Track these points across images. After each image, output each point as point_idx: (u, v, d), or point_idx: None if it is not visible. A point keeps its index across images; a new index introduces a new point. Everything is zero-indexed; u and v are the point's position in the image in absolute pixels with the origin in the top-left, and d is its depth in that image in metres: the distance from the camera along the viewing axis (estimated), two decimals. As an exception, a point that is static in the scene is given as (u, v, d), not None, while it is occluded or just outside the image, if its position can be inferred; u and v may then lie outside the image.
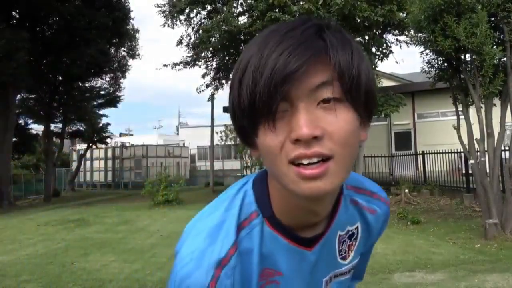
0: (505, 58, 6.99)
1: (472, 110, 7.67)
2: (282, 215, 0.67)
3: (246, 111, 0.58)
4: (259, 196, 0.69)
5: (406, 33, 12.33)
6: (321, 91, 0.56)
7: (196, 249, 0.66)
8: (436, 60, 7.94)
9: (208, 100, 20.41)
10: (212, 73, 18.41)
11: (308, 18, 0.61)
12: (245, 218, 0.68)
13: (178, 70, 17.78)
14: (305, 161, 0.56)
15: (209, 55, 17.26)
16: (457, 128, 7.69)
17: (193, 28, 17.29)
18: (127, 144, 31.60)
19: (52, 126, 23.55)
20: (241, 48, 15.51)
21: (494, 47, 6.71)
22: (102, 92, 24.94)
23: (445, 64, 7.78)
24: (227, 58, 17.38)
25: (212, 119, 21.80)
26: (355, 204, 0.77)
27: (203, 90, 18.90)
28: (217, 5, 15.96)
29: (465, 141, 7.62)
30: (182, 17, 16.81)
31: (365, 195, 0.80)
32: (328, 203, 0.67)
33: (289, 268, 0.69)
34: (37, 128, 25.49)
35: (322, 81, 0.56)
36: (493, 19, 6.94)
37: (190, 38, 17.36)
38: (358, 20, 12.19)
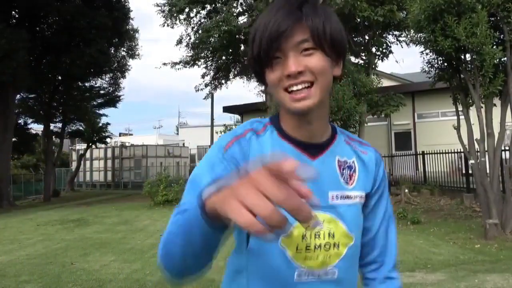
0: (505, 58, 6.98)
1: (472, 110, 7.66)
2: (289, 129, 0.94)
3: (257, 58, 0.88)
4: (272, 118, 0.98)
5: (406, 33, 12.33)
6: (302, 44, 0.84)
7: (228, 132, 0.95)
8: (436, 60, 7.93)
9: (205, 99, 20.40)
10: (211, 73, 18.41)
11: None
12: (258, 127, 0.96)
13: (178, 69, 17.80)
14: (294, 88, 0.85)
15: (209, 55, 17.26)
16: (457, 128, 7.69)
17: (193, 27, 17.29)
18: (127, 144, 31.59)
19: (52, 126, 23.54)
20: (241, 48, 15.52)
21: (494, 47, 6.71)
22: (101, 92, 24.94)
23: (445, 64, 7.78)
24: (227, 58, 17.39)
25: (212, 119, 21.82)
26: (349, 144, 1.02)
27: (201, 89, 18.92)
28: (217, 5, 15.96)
29: (465, 141, 7.62)
30: (181, 17, 16.82)
31: (357, 141, 1.04)
32: (316, 117, 0.92)
33: None
34: (36, 128, 25.50)
35: (302, 38, 0.84)
36: (493, 19, 6.94)
37: (190, 38, 17.38)
38: (358, 20, 12.19)
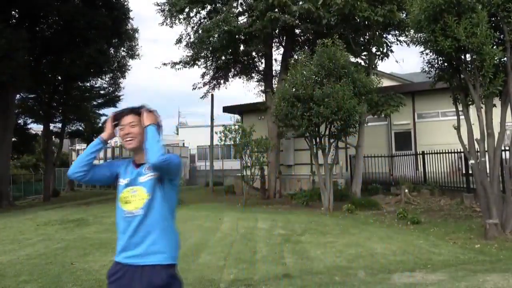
0: (505, 58, 6.98)
1: (472, 110, 7.66)
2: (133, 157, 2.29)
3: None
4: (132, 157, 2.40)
5: (406, 33, 12.32)
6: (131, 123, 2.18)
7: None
8: (436, 60, 7.94)
9: (202, 98, 20.35)
10: (211, 73, 18.40)
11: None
12: (126, 160, 2.38)
13: (178, 69, 17.77)
14: (128, 139, 2.19)
15: (209, 55, 17.25)
16: (457, 128, 7.69)
17: (192, 27, 17.28)
18: (127, 144, 31.54)
19: (52, 126, 23.54)
20: (241, 48, 15.51)
21: (495, 47, 6.70)
22: (101, 92, 24.93)
23: (445, 64, 7.78)
24: (226, 57, 17.37)
25: (212, 119, 21.79)
26: (146, 164, 2.18)
27: (199, 88, 18.92)
28: (217, 5, 15.95)
29: (465, 141, 7.61)
30: (181, 16, 16.80)
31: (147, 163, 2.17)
32: (139, 152, 2.20)
33: (129, 170, 2.22)
34: (36, 128, 25.49)
35: (132, 120, 2.16)
36: (493, 19, 6.94)
37: (190, 38, 17.36)
38: (358, 20, 12.18)
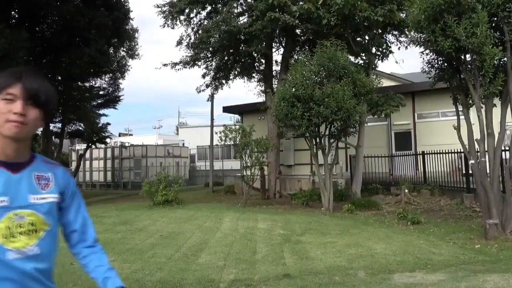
0: (505, 58, 6.98)
1: (472, 110, 7.66)
2: None
3: None
4: None
5: (406, 33, 12.31)
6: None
7: None
8: (436, 60, 7.94)
9: (208, 100, 20.43)
10: (212, 73, 18.40)
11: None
12: None
13: (178, 70, 17.77)
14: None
15: (209, 55, 17.25)
16: (457, 128, 7.68)
17: (193, 28, 17.28)
18: (127, 144, 31.56)
19: (52, 126, 23.51)
20: (241, 48, 15.51)
21: (494, 47, 6.70)
22: (101, 92, 24.90)
23: (445, 64, 7.78)
24: (227, 58, 17.37)
25: (212, 119, 21.79)
26: (45, 164, 1.47)
27: (203, 90, 18.89)
28: (217, 5, 15.95)
29: (465, 141, 7.61)
30: (182, 17, 16.80)
31: (51, 163, 1.51)
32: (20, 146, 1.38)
33: (3, 181, 1.32)
34: (36, 128, 25.40)
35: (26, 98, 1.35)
36: (493, 19, 6.93)
37: (190, 38, 17.36)
38: (358, 20, 12.17)
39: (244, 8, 15.97)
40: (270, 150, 15.15)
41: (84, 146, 28.74)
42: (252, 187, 14.98)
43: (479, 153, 7.40)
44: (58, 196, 1.46)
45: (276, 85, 15.89)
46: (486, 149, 7.35)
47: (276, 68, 17.74)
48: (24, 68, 1.41)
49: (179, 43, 17.61)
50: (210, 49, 15.93)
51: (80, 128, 26.23)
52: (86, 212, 1.60)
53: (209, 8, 16.39)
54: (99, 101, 25.58)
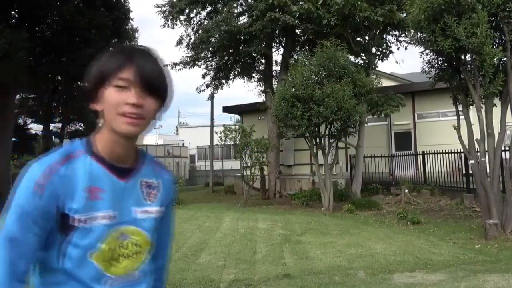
0: (505, 58, 6.98)
1: (472, 110, 7.66)
2: (105, 152, 1.07)
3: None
4: (86, 142, 1.09)
5: (406, 33, 12.31)
6: None
7: (36, 162, 1.02)
8: (436, 60, 7.94)
9: (208, 100, 20.41)
10: (212, 73, 18.40)
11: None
12: (72, 153, 1.05)
13: (178, 70, 17.76)
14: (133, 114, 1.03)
15: (209, 55, 17.25)
16: (457, 128, 7.68)
17: (193, 28, 17.29)
18: (127, 144, 31.56)
19: (52, 126, 23.52)
20: (241, 48, 15.52)
21: (494, 47, 6.70)
22: (101, 92, 24.87)
23: (445, 64, 7.78)
24: (227, 58, 17.37)
25: (212, 119, 21.79)
26: (153, 167, 1.19)
27: (203, 90, 18.89)
28: (217, 5, 15.95)
29: (465, 141, 7.61)
30: (182, 17, 16.81)
31: (159, 165, 1.23)
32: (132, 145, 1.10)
33: (108, 188, 1.05)
34: (36, 128, 25.47)
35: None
36: (493, 19, 6.93)
37: (190, 38, 17.37)
38: (358, 20, 12.17)
39: (244, 8, 15.97)
40: (270, 150, 15.15)
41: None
42: (252, 187, 14.98)
43: (479, 153, 7.40)
44: (162, 210, 1.16)
45: (276, 85, 15.89)
46: (486, 149, 7.35)
47: (276, 68, 17.75)
48: (133, 46, 1.12)
49: (179, 43, 17.62)
50: (210, 49, 15.93)
51: (80, 128, 26.25)
52: (173, 227, 1.32)
53: (209, 8, 16.40)
54: (99, 101, 25.53)
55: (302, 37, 16.75)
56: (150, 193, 1.14)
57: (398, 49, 14.56)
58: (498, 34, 6.92)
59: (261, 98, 18.79)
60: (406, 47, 14.25)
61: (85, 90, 1.09)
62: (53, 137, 24.47)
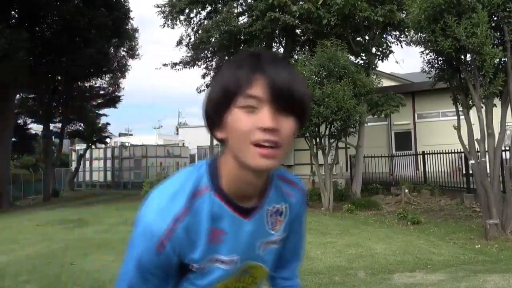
0: (505, 58, 6.98)
1: (472, 110, 7.65)
2: (229, 189, 0.89)
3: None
4: (211, 175, 0.90)
5: (406, 33, 12.30)
6: None
7: (159, 206, 0.86)
8: (436, 60, 7.93)
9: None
10: (212, 73, 18.40)
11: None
12: (199, 190, 0.89)
13: (178, 70, 17.77)
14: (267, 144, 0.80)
15: (209, 55, 17.25)
16: (458, 128, 7.68)
17: (193, 28, 17.29)
18: (127, 144, 31.56)
19: (52, 126, 23.51)
20: (241, 48, 15.51)
21: (495, 47, 6.70)
22: (101, 92, 24.91)
23: (445, 64, 7.77)
24: (227, 58, 17.37)
25: (212, 119, 21.77)
26: (281, 189, 1.00)
27: (203, 90, 18.90)
28: (217, 5, 15.95)
29: (466, 141, 7.61)
30: (182, 17, 16.81)
31: (287, 183, 1.03)
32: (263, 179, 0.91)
33: (231, 230, 0.91)
34: (36, 128, 25.47)
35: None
36: (493, 19, 6.93)
37: (190, 38, 17.37)
38: (358, 20, 12.17)
39: (244, 8, 15.97)
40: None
41: (84, 146, 28.76)
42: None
43: (479, 153, 7.40)
44: (285, 235, 1.04)
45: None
46: (486, 149, 7.35)
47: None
48: (257, 52, 0.87)
49: (179, 43, 17.61)
50: (210, 49, 15.93)
51: (80, 128, 26.26)
52: (304, 240, 1.21)
53: (209, 8, 16.39)
54: (99, 101, 25.60)
55: (302, 37, 16.75)
56: (277, 221, 0.99)
57: (402, 47, 14.54)
58: (498, 34, 6.91)
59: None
60: (402, 46, 14.23)
61: (206, 115, 0.88)
62: (53, 137, 24.47)
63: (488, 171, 7.43)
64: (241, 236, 0.92)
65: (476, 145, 7.42)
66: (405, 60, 57.70)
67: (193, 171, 0.91)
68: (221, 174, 0.90)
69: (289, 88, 0.80)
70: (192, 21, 17.11)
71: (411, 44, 7.90)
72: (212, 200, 0.89)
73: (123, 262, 0.92)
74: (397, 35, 14.18)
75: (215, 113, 0.84)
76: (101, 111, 26.74)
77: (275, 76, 0.80)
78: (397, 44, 14.31)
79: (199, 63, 17.70)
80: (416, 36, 7.66)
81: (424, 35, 7.29)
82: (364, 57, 13.89)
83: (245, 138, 0.80)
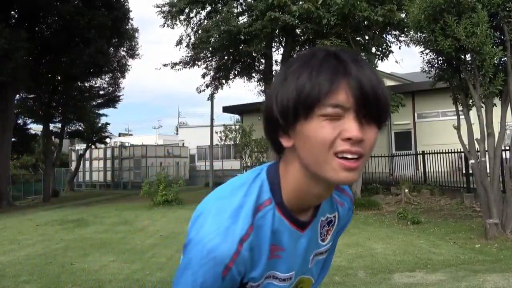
0: (505, 58, 6.97)
1: (472, 110, 7.65)
2: (290, 201, 0.83)
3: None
4: (273, 185, 0.83)
5: (406, 33, 12.31)
6: None
7: (221, 226, 0.77)
8: (436, 60, 7.93)
9: (208, 100, 20.41)
10: (212, 73, 18.39)
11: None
12: (260, 204, 0.82)
13: (178, 70, 17.76)
14: (349, 156, 0.73)
15: (209, 55, 17.24)
16: (458, 128, 7.68)
17: (192, 28, 17.28)
18: (127, 144, 31.57)
19: (51, 126, 23.52)
20: (241, 47, 15.50)
21: (494, 47, 6.70)
22: (101, 92, 24.90)
23: (445, 64, 7.77)
24: (226, 58, 17.37)
25: (212, 119, 21.78)
26: (332, 197, 0.97)
27: (203, 90, 18.90)
28: (217, 5, 15.94)
29: (466, 141, 7.61)
30: (181, 17, 16.80)
31: (338, 191, 1.00)
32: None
33: (289, 246, 0.86)
34: (36, 128, 25.47)
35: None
36: (493, 18, 6.93)
37: (190, 38, 17.36)
38: (358, 20, 12.17)
39: (244, 8, 15.96)
40: (270, 150, 15.11)
41: (84, 146, 28.77)
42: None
43: (479, 153, 7.39)
44: (330, 245, 1.00)
45: (276, 85, 15.84)
46: (486, 149, 7.35)
47: (276, 68, 17.72)
48: (336, 50, 0.77)
49: (179, 43, 17.60)
50: (210, 49, 15.92)
51: (80, 128, 26.26)
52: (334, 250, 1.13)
53: (209, 8, 16.38)
54: (99, 101, 25.59)
55: (302, 37, 16.75)
56: (328, 231, 0.96)
57: (400, 48, 14.54)
58: (498, 33, 6.91)
59: (261, 98, 18.79)
60: (408, 44, 14.24)
61: (271, 120, 0.78)
62: (53, 137, 24.48)
63: (488, 171, 7.43)
64: (297, 250, 0.88)
65: (476, 145, 7.42)
66: (405, 60, 57.72)
67: (251, 180, 0.84)
68: (282, 184, 0.83)
69: (375, 94, 0.72)
70: (192, 21, 17.11)
71: (411, 44, 7.90)
72: (273, 215, 0.82)
73: (178, 279, 0.82)
74: (397, 35, 14.18)
75: (286, 119, 0.75)
76: (101, 111, 26.74)
77: (360, 81, 0.72)
78: (397, 44, 14.32)
79: (199, 63, 17.68)
80: (416, 36, 7.65)
81: (424, 35, 7.29)
82: (364, 57, 13.88)
83: (327, 149, 0.72)
